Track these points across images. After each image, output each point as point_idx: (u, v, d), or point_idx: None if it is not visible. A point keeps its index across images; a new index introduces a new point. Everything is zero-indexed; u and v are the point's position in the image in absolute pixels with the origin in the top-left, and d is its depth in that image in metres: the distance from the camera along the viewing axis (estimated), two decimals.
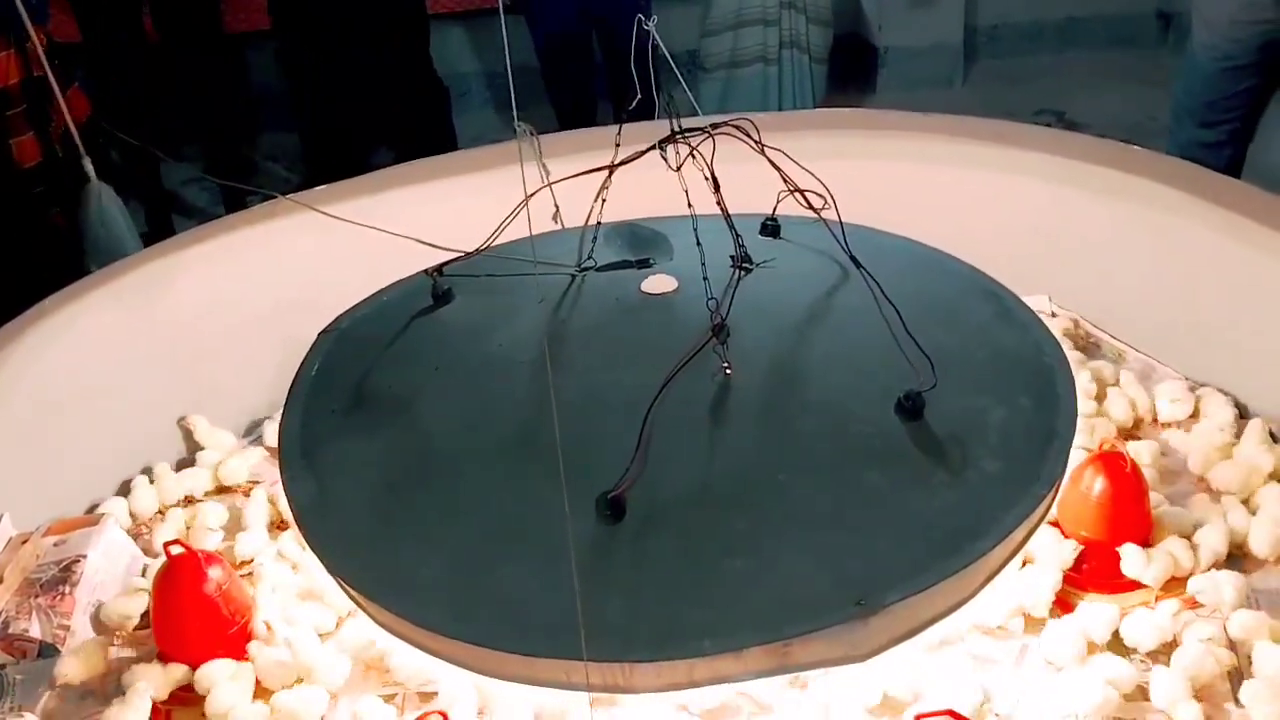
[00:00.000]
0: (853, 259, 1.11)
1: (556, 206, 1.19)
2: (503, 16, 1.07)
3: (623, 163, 1.12)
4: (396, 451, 1.10)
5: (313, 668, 1.23)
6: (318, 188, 1.84)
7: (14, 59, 2.06)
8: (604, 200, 1.16)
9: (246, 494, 1.59)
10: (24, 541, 1.47)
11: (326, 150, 3.36)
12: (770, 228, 1.41)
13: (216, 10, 3.15)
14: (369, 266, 1.45)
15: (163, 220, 3.23)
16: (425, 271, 1.35)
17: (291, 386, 1.21)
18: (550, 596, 0.88)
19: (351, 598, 1.00)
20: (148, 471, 1.66)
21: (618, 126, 1.18)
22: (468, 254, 1.32)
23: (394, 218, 1.49)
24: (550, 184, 1.15)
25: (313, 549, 1.02)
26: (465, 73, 4.30)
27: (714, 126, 1.10)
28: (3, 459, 1.50)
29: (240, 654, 1.29)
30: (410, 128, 3.38)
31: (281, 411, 1.18)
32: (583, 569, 0.87)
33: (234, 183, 3.21)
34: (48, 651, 1.38)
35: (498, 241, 1.31)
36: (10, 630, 1.38)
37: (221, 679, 1.21)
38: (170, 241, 1.80)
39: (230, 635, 1.32)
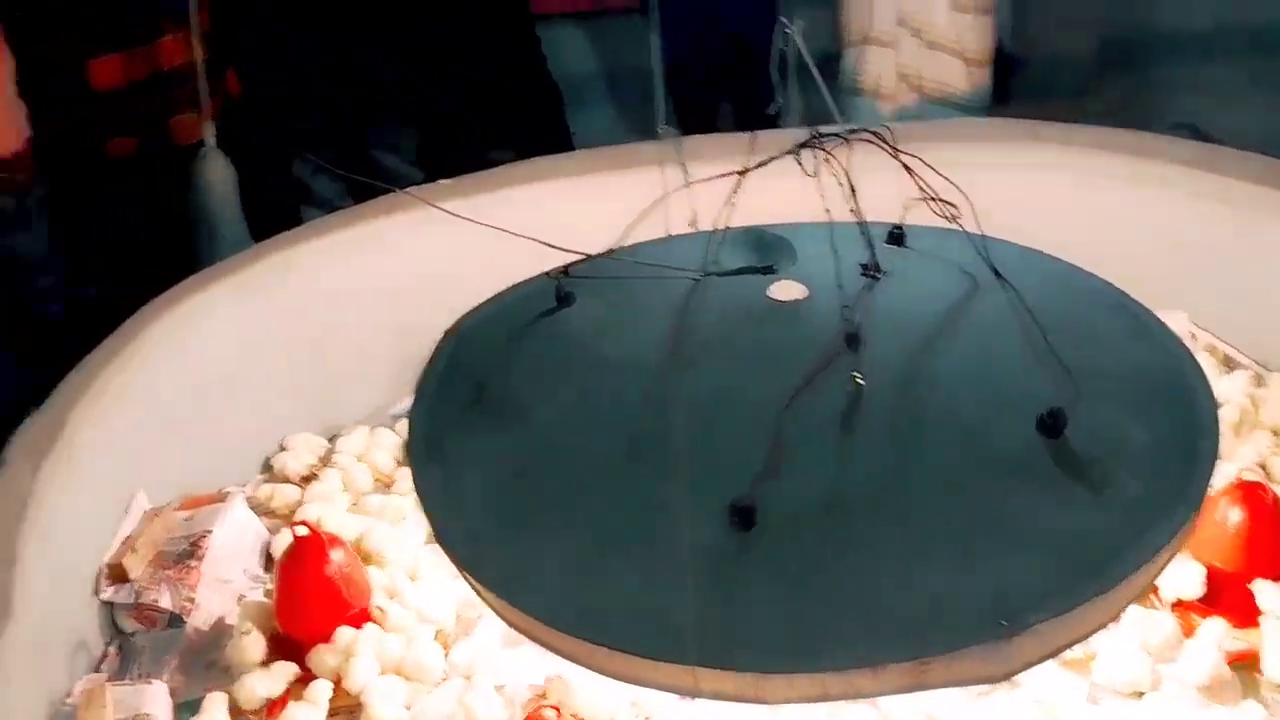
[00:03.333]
0: (994, 271, 1.09)
1: (694, 212, 1.19)
2: (652, 13, 1.06)
3: (759, 165, 1.11)
4: (520, 451, 1.12)
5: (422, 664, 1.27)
6: (440, 182, 1.87)
7: (180, 41, 2.14)
8: (733, 205, 1.16)
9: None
10: (156, 515, 1.53)
11: (443, 147, 3.41)
12: (896, 236, 1.39)
13: None
14: (490, 264, 1.47)
15: (292, 208, 3.32)
16: (547, 274, 1.36)
17: (419, 385, 1.24)
18: (678, 601, 0.88)
19: (478, 592, 1.02)
20: (276, 454, 1.71)
21: (750, 132, 1.18)
22: (590, 256, 1.33)
23: (515, 216, 1.51)
24: (687, 184, 1.15)
25: (441, 544, 1.04)
26: (583, 73, 4.32)
27: (851, 133, 1.08)
28: (140, 437, 1.56)
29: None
30: (524, 128, 3.41)
31: (410, 409, 1.21)
32: (711, 576, 0.86)
33: (359, 175, 3.27)
34: (175, 622, 1.44)
35: (618, 244, 1.32)
36: (141, 600, 1.44)
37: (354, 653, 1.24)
38: (297, 231, 1.85)
39: (349, 618, 1.36)
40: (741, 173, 1.10)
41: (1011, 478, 0.99)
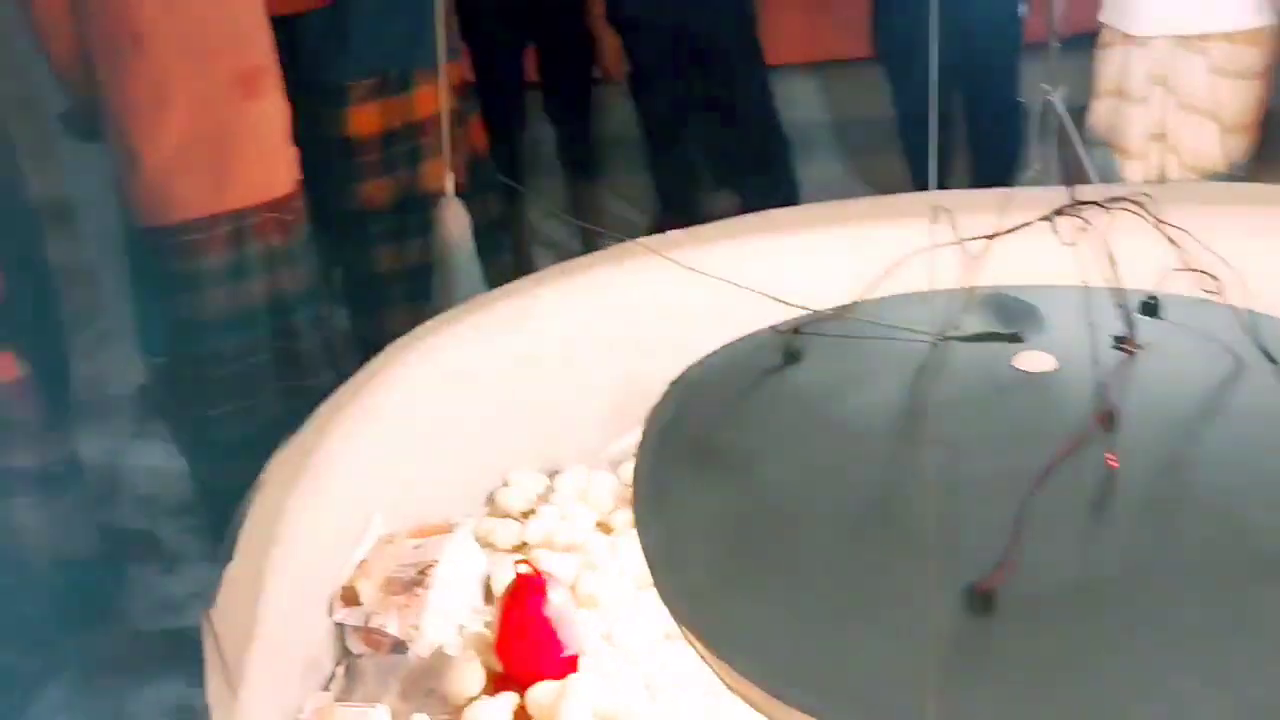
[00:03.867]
0: (1263, 351, 1.01)
1: (934, 272, 1.15)
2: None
3: (1010, 230, 1.07)
4: (744, 508, 1.11)
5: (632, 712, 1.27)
6: (670, 233, 1.90)
7: (435, 92, 2.26)
8: (978, 267, 1.12)
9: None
10: (389, 542, 1.61)
11: (671, 195, 3.47)
12: (1150, 306, 1.31)
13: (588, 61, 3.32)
14: (717, 316, 1.47)
15: (523, 252, 3.45)
16: (774, 328, 1.35)
17: (643, 434, 1.25)
18: (905, 681, 0.84)
19: (694, 648, 1.01)
20: (500, 489, 1.76)
21: (1003, 190, 1.14)
22: (820, 313, 1.31)
23: (744, 268, 1.50)
24: (933, 247, 1.12)
25: (662, 598, 1.04)
26: (813, 122, 4.32)
27: (1111, 200, 1.03)
28: (379, 467, 1.64)
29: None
30: (751, 176, 3.43)
31: (630, 452, 1.22)
32: (941, 659, 0.83)
33: (589, 225, 3.37)
34: (399, 648, 1.49)
35: (851, 301, 1.29)
36: (370, 624, 1.51)
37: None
38: (533, 278, 1.91)
39: (563, 659, 1.38)
40: (990, 237, 1.07)
41: (1276, 577, 0.91)
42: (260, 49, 2.04)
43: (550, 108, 3.41)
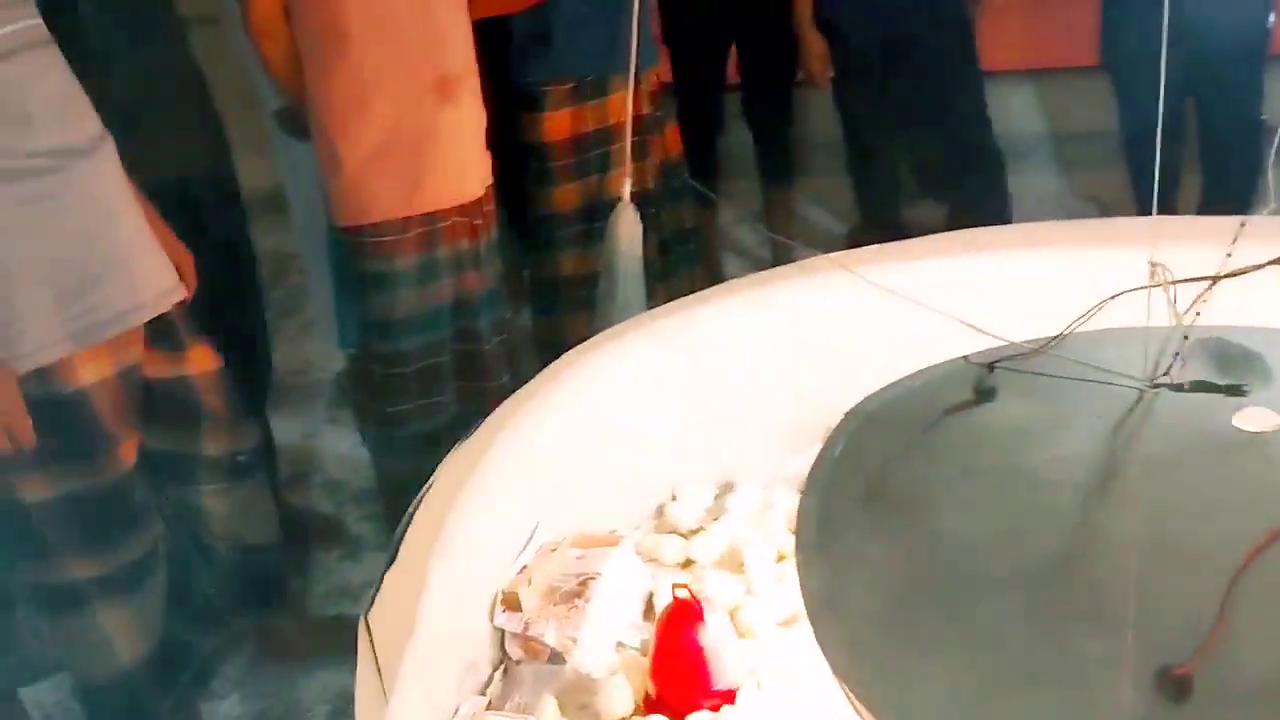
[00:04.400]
0: None
1: (1150, 308, 1.04)
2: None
3: (1239, 273, 0.96)
4: (913, 556, 1.03)
5: None
6: (862, 249, 1.82)
7: (629, 97, 2.26)
8: (1200, 307, 1.00)
9: None
10: (553, 550, 1.60)
11: (873, 205, 3.35)
12: None
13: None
14: (907, 340, 1.40)
15: (713, 260, 3.40)
16: (967, 359, 1.26)
17: (813, 468, 1.18)
18: None
19: (851, 702, 0.95)
20: (669, 503, 1.73)
21: (1235, 219, 1.02)
22: (1017, 345, 1.22)
23: (941, 290, 1.42)
24: (1152, 285, 1.01)
25: (820, 644, 0.98)
26: (1029, 133, 4.11)
27: None
28: (548, 473, 1.63)
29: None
30: (959, 189, 3.28)
31: (801, 493, 1.16)
32: None
33: (783, 233, 3.30)
34: (557, 659, 1.48)
35: (1054, 335, 1.19)
36: (529, 631, 1.50)
37: None
38: (715, 290, 1.87)
39: (716, 691, 1.33)
40: (1214, 279, 0.95)
41: None
42: (460, 55, 2.08)
43: (750, 111, 3.36)
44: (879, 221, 3.25)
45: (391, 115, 2.01)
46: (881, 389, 1.32)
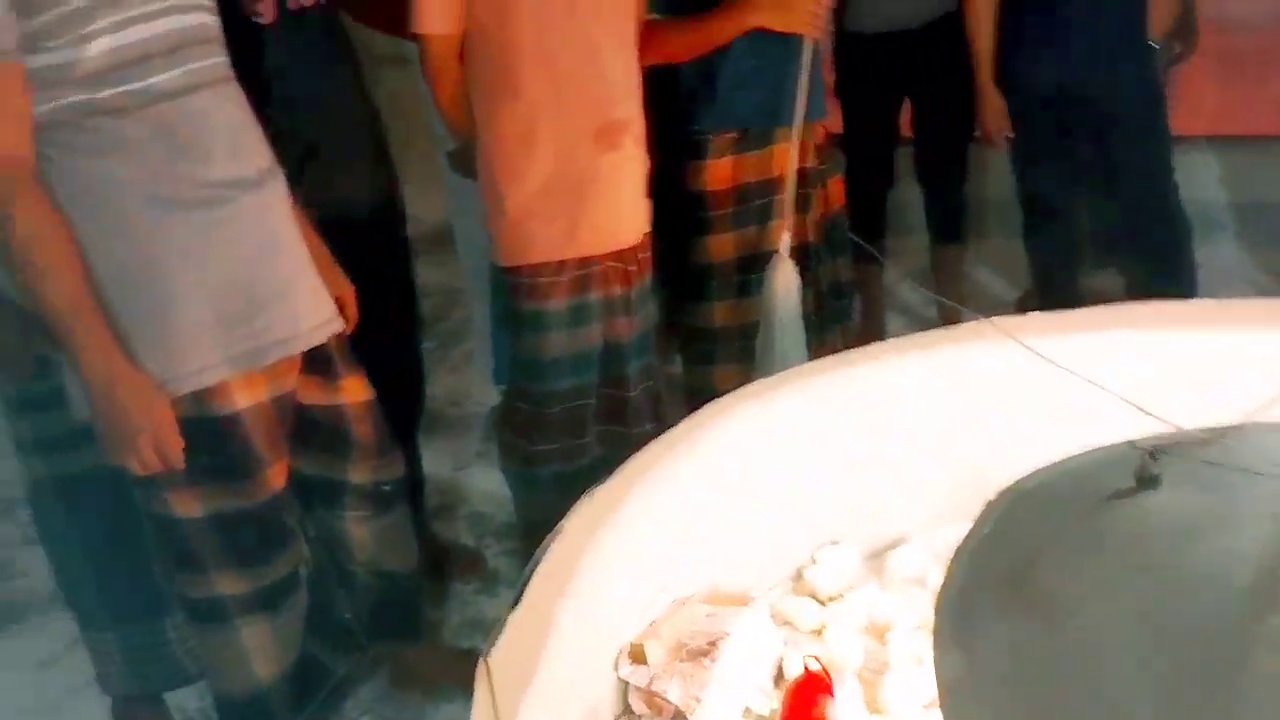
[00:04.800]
0: None
1: None
2: None
3: None
4: (1057, 652, 0.95)
5: None
6: (1031, 315, 1.74)
7: (793, 149, 2.26)
8: None
9: None
10: (683, 604, 1.56)
11: (1047, 270, 3.22)
12: None
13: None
14: (1071, 416, 1.32)
15: (875, 318, 3.33)
16: (1132, 443, 1.17)
17: (962, 543, 1.12)
18: None
19: None
20: (808, 566, 1.68)
21: None
22: (1191, 432, 1.13)
23: (1113, 365, 1.33)
24: None
25: None
26: (1218, 203, 3.90)
27: None
28: (683, 524, 1.60)
29: None
30: (1141, 258, 3.12)
31: (947, 567, 1.10)
32: None
33: (949, 294, 3.20)
34: (679, 717, 1.44)
35: (1237, 422, 1.10)
36: (653, 686, 1.46)
37: None
38: (874, 347, 1.82)
39: None
40: None
41: None
42: (627, 102, 2.10)
43: (922, 166, 3.28)
44: (1052, 288, 3.11)
45: (555, 159, 2.05)
46: (1040, 468, 1.24)
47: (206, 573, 1.73)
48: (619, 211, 2.13)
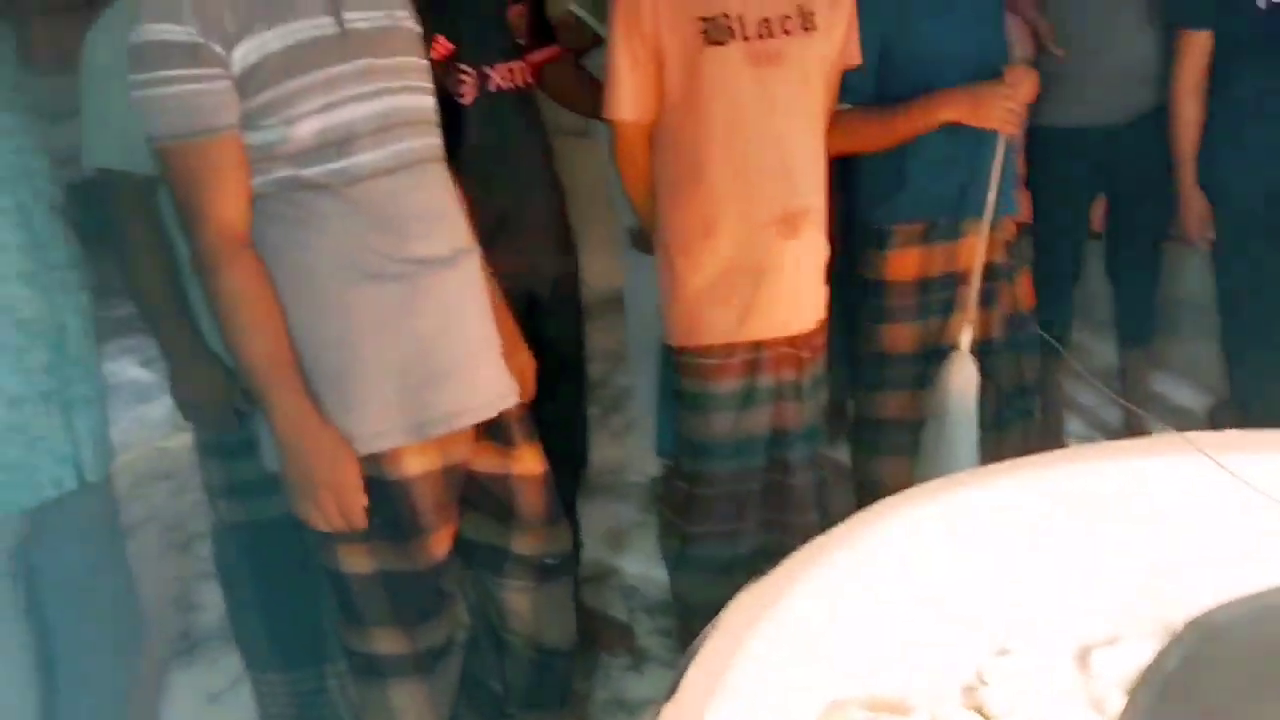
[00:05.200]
0: None
1: None
2: None
3: None
4: None
5: None
6: (1226, 432, 1.64)
7: (979, 243, 2.22)
8: None
9: None
10: (839, 707, 1.51)
11: (1245, 382, 3.03)
12: None
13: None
14: (1269, 546, 1.23)
15: (1055, 420, 3.20)
16: None
17: (1144, 675, 1.05)
18: None
19: None
20: (978, 687, 1.60)
21: None
22: None
23: None
24: None
25: None
26: None
27: None
28: (844, 624, 1.55)
29: None
30: None
31: (1127, 698, 1.03)
32: None
33: (1134, 399, 3.05)
34: None
35: None
36: None
37: None
38: (1052, 453, 1.74)
39: None
40: None
41: None
42: (810, 190, 2.09)
43: (1114, 265, 3.16)
44: (1250, 402, 2.93)
45: (734, 245, 2.05)
46: (1233, 599, 1.16)
47: (367, 628, 1.76)
48: (795, 298, 2.11)
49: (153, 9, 1.50)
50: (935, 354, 2.28)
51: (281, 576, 2.03)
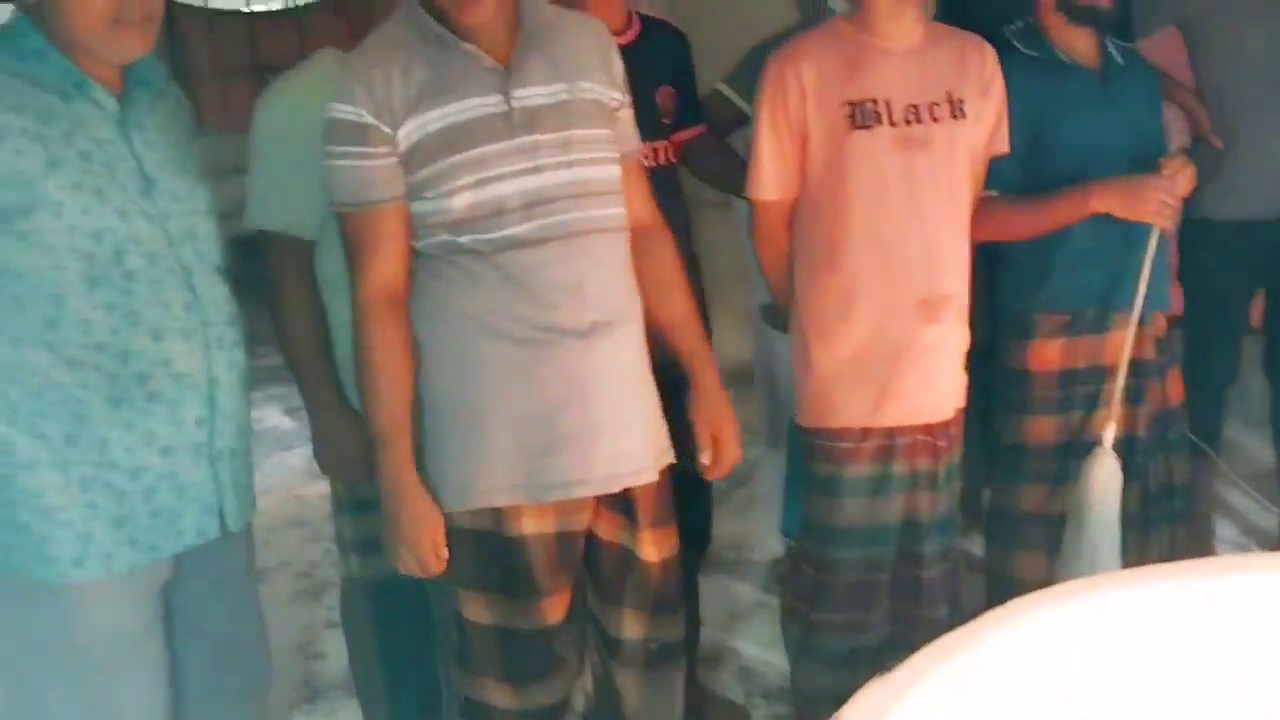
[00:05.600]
0: None
1: None
2: None
3: None
4: None
5: None
6: None
7: (1127, 337, 2.16)
8: None
9: None
10: None
11: None
12: None
13: None
14: None
15: (1203, 524, 3.05)
16: None
17: None
18: None
19: None
20: None
21: None
22: None
23: None
24: None
25: None
26: None
27: None
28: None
29: None
30: None
31: None
32: None
33: None
34: None
35: None
36: None
37: None
38: (1202, 563, 1.66)
39: None
40: None
41: None
42: (952, 276, 2.06)
43: (1272, 362, 3.00)
44: None
45: (871, 328, 2.03)
46: None
47: (479, 677, 1.80)
48: (933, 385, 2.07)
49: (339, 91, 1.66)
50: (1077, 449, 2.20)
51: (405, 634, 2.06)
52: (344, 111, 1.65)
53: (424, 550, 1.71)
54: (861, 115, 1.97)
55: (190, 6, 8.71)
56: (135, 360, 1.58)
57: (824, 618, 2.13)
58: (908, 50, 2.00)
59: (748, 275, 2.76)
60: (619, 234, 1.76)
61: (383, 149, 1.65)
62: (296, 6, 8.48)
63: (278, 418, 4.51)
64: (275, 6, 8.91)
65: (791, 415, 2.17)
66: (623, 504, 1.81)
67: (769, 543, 3.16)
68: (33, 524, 1.57)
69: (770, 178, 2.04)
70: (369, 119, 1.64)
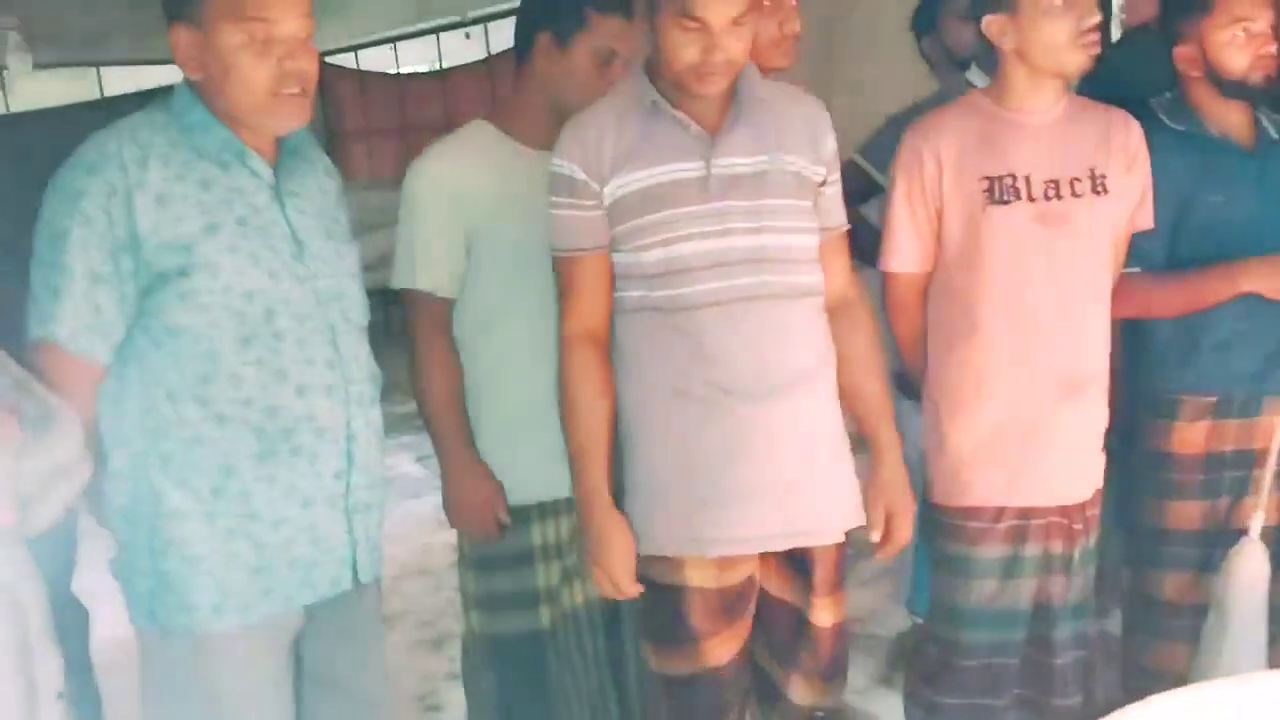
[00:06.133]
0: None
1: None
2: None
3: None
4: None
5: None
6: None
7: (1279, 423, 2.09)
8: None
9: None
10: None
11: None
12: None
13: None
14: None
15: None
16: None
17: None
18: None
19: None
20: None
21: None
22: None
23: None
24: None
25: None
26: None
27: None
28: None
29: None
30: None
31: None
32: None
33: None
34: None
35: None
36: None
37: None
38: None
39: None
40: None
41: None
42: (1093, 355, 2.00)
43: None
44: None
45: (1007, 406, 1.99)
46: None
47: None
48: (1070, 465, 2.01)
49: (559, 147, 1.80)
50: (1222, 536, 2.11)
51: (524, 692, 2.07)
52: (561, 166, 1.78)
53: (616, 570, 1.77)
54: (999, 190, 1.94)
55: (342, 69, 9.12)
56: (281, 416, 1.65)
57: (948, 701, 2.07)
58: (1047, 124, 1.97)
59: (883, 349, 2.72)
60: (808, 300, 1.80)
61: (590, 202, 1.77)
62: (442, 69, 8.81)
63: (408, 465, 4.61)
64: (423, 69, 9.25)
65: (922, 490, 2.11)
66: (799, 563, 1.83)
67: (894, 618, 3.08)
68: (176, 572, 1.63)
69: (904, 249, 2.02)
70: (580, 175, 1.76)
